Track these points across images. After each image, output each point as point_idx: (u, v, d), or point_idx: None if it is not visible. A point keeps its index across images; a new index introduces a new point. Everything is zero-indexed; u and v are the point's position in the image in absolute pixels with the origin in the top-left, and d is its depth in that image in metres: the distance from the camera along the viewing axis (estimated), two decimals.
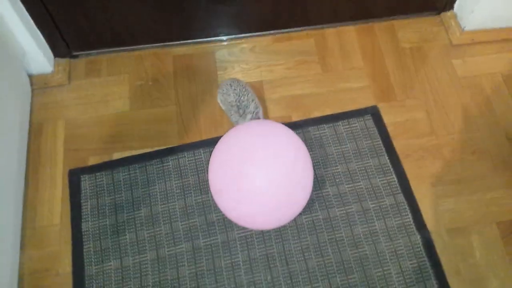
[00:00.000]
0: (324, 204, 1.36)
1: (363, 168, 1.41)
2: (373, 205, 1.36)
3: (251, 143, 1.16)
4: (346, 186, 1.39)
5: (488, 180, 1.39)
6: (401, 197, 1.37)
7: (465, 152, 1.43)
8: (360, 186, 1.39)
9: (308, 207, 1.35)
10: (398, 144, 1.45)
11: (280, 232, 1.32)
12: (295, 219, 1.33)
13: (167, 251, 1.30)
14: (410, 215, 1.34)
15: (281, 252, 1.30)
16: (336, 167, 1.42)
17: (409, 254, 1.29)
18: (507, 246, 1.29)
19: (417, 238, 1.31)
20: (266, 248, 1.30)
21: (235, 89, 1.38)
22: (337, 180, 1.40)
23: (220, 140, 1.22)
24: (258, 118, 1.39)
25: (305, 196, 1.19)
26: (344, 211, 1.35)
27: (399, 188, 1.38)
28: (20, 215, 1.34)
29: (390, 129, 1.47)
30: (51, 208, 1.37)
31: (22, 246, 1.31)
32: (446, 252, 1.29)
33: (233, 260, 1.29)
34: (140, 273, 1.28)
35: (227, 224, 1.34)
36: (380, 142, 1.45)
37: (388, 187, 1.38)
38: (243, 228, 1.32)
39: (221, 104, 1.46)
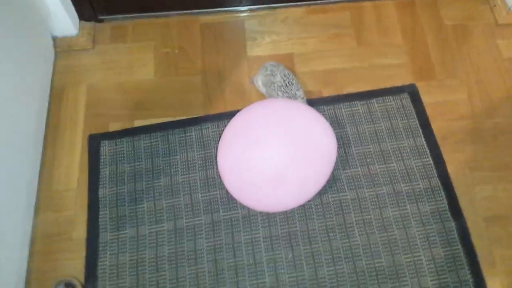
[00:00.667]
0: (353, 184, 1.30)
1: (397, 149, 1.34)
2: (406, 188, 1.29)
3: (262, 122, 1.13)
4: (377, 166, 1.32)
5: None
6: (436, 181, 1.29)
7: (508, 138, 1.34)
8: (393, 168, 1.32)
9: (336, 187, 1.29)
10: (436, 126, 1.37)
11: (304, 210, 1.27)
12: (320, 198, 1.27)
13: (185, 223, 1.27)
14: (445, 201, 1.27)
15: (305, 231, 1.24)
16: (368, 147, 1.35)
17: (442, 241, 1.22)
18: None
19: (452, 225, 1.24)
20: (288, 225, 1.25)
21: (282, 71, 1.31)
22: (368, 160, 1.33)
23: (235, 116, 1.18)
24: None
25: (315, 184, 1.16)
26: (374, 193, 1.28)
27: (435, 171, 1.31)
28: (36, 177, 1.32)
29: (428, 109, 1.40)
30: (68, 172, 1.34)
31: (36, 209, 1.29)
32: (482, 241, 1.22)
33: (253, 236, 1.24)
34: (156, 243, 1.24)
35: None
36: (417, 122, 1.38)
37: (423, 170, 1.31)
38: None
39: (260, 85, 1.38)
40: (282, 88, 1.29)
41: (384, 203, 1.27)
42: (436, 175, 1.30)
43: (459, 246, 1.21)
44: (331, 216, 1.26)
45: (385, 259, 1.20)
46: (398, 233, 1.23)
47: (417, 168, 1.31)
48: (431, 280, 1.17)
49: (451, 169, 1.30)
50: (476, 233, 1.22)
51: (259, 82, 1.37)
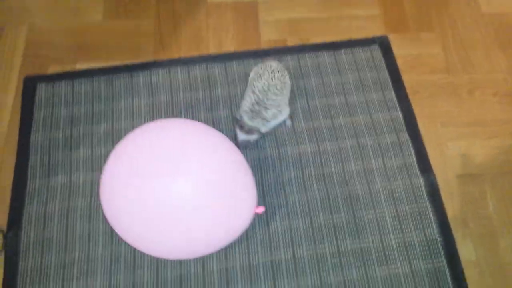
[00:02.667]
0: (314, 136, 1.22)
1: (364, 102, 1.27)
2: (371, 142, 1.21)
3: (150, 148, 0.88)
4: (342, 119, 1.25)
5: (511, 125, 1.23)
6: (405, 136, 1.22)
7: (485, 94, 1.28)
8: (359, 121, 1.24)
9: (296, 139, 1.22)
10: (408, 79, 1.31)
11: (260, 163, 1.18)
12: (278, 150, 1.20)
13: None
14: (413, 156, 1.20)
15: (258, 184, 1.15)
16: (333, 99, 1.28)
17: (408, 197, 1.14)
18: None
19: (420, 181, 1.16)
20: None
21: (272, 76, 1.12)
22: (332, 113, 1.26)
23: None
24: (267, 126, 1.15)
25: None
26: (337, 146, 1.21)
27: (404, 125, 1.24)
28: None
29: (399, 62, 1.33)
30: None
31: None
32: (453, 200, 1.14)
33: None
34: (91, 193, 1.14)
35: None
36: (387, 74, 1.31)
37: (391, 124, 1.24)
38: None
39: (249, 78, 1.20)
40: (253, 98, 1.12)
41: (347, 157, 1.19)
42: (405, 130, 1.23)
43: (427, 203, 1.14)
44: (288, 169, 1.17)
45: (344, 215, 1.12)
46: (361, 188, 1.15)
47: (385, 121, 1.24)
48: (395, 238, 1.09)
49: (421, 123, 1.24)
50: (446, 191, 1.15)
51: (251, 74, 1.20)
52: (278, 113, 1.14)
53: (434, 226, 1.11)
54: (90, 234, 1.09)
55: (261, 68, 1.15)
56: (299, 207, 1.13)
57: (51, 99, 1.26)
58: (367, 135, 1.22)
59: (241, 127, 1.13)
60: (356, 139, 1.22)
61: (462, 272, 1.06)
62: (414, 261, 1.07)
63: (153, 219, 0.84)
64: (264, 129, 1.14)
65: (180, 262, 1.06)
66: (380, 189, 1.15)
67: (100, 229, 1.10)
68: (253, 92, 1.12)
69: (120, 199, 0.85)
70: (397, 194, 1.15)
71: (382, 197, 1.14)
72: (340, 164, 1.19)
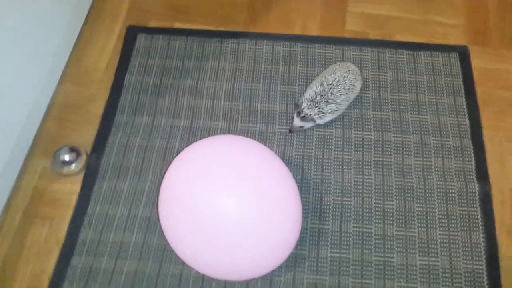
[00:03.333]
0: (380, 126, 1.28)
1: (435, 103, 1.31)
2: (435, 141, 1.26)
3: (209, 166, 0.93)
4: (410, 115, 1.30)
5: None
6: (468, 142, 1.26)
7: None
8: (426, 120, 1.29)
9: (362, 125, 1.28)
10: (481, 91, 1.33)
11: (323, 139, 1.25)
12: (343, 131, 1.27)
13: (202, 123, 1.28)
14: (473, 162, 1.23)
15: (319, 158, 1.23)
16: (405, 95, 1.33)
17: (460, 200, 1.18)
18: None
19: (475, 187, 1.20)
20: (304, 149, 1.25)
21: (345, 75, 1.19)
22: (401, 107, 1.31)
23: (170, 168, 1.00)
24: (321, 118, 1.21)
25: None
26: (401, 139, 1.26)
27: (468, 132, 1.27)
28: (68, 51, 1.36)
29: (475, 73, 1.36)
30: (100, 54, 1.39)
31: (61, 79, 1.33)
32: (504, 211, 1.17)
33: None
34: (169, 136, 1.26)
35: (269, 117, 1.29)
36: (461, 82, 1.35)
37: (457, 129, 1.27)
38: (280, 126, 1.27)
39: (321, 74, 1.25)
40: (317, 90, 1.19)
41: (408, 150, 1.24)
42: (469, 136, 1.26)
43: (478, 209, 1.17)
44: (349, 150, 1.24)
45: (396, 203, 1.17)
46: (416, 182, 1.20)
47: (451, 125, 1.28)
48: (440, 234, 1.14)
49: (486, 134, 1.27)
50: (498, 201, 1.18)
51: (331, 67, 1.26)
52: (336, 110, 1.20)
53: (481, 231, 1.14)
54: (162, 169, 1.20)
55: (338, 65, 1.22)
56: (354, 186, 1.19)
57: (148, 49, 1.39)
58: (431, 134, 1.27)
59: (298, 113, 1.19)
60: (420, 135, 1.26)
61: (499, 277, 1.08)
62: (455, 259, 1.11)
63: (203, 233, 0.89)
64: (318, 121, 1.20)
65: None
66: (435, 187, 1.19)
67: None
68: (321, 83, 1.19)
69: (174, 209, 0.92)
70: (450, 195, 1.19)
71: (435, 195, 1.18)
72: (401, 156, 1.24)
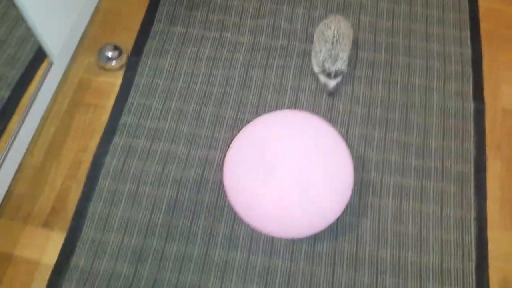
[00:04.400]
0: (390, 49, 1.41)
1: (441, 34, 1.44)
2: (438, 66, 1.39)
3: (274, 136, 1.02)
4: (418, 42, 1.42)
5: None
6: (468, 69, 1.39)
7: None
8: (432, 47, 1.42)
9: (373, 48, 1.41)
10: (485, 27, 1.45)
11: None
12: (356, 54, 1.39)
13: (229, 36, 1.41)
14: (471, 85, 1.36)
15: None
16: (414, 24, 1.45)
17: (457, 115, 1.31)
18: None
19: (470, 105, 1.33)
20: None
21: (339, 27, 1.27)
22: (411, 35, 1.43)
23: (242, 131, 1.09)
24: (339, 75, 1.28)
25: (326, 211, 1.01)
26: (407, 61, 1.39)
27: (470, 61, 1.40)
28: None
29: (482, 11, 1.48)
30: None
31: None
32: (494, 127, 1.30)
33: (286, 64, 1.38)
34: (200, 45, 1.40)
35: (291, 34, 1.43)
36: (468, 17, 1.47)
37: (460, 57, 1.40)
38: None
39: (315, 39, 1.32)
40: (328, 47, 1.26)
41: (414, 72, 1.38)
42: (470, 64, 1.39)
43: (471, 123, 1.30)
44: (361, 68, 1.37)
45: (398, 115, 1.32)
46: (418, 98, 1.33)
47: (455, 54, 1.40)
48: (435, 142, 1.28)
49: (486, 63, 1.39)
50: (490, 118, 1.31)
51: (319, 27, 1.33)
52: (348, 53, 1.30)
53: (472, 142, 1.28)
54: (193, 70, 1.35)
55: (328, 19, 1.30)
56: (362, 98, 1.33)
57: None
58: (436, 60, 1.40)
59: (329, 75, 1.26)
60: (426, 60, 1.40)
61: (484, 179, 1.22)
62: (446, 162, 1.25)
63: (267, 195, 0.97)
64: (345, 68, 1.28)
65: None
66: (435, 103, 1.33)
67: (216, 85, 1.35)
68: (326, 41, 1.26)
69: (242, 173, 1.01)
70: (448, 111, 1.32)
71: (435, 109, 1.32)
72: (406, 76, 1.37)
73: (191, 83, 1.34)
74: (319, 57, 1.27)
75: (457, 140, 1.27)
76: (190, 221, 1.16)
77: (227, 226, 1.15)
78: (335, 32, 1.26)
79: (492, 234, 1.17)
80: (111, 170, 1.21)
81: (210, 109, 1.31)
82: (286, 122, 1.05)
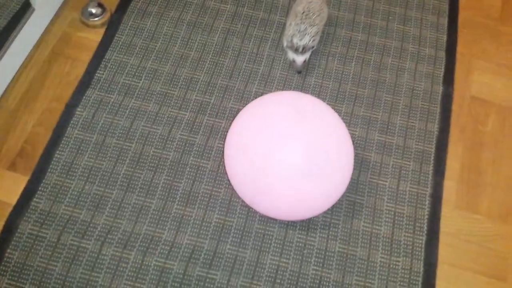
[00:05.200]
0: (367, 29, 1.41)
1: (420, 18, 1.44)
2: (413, 49, 1.39)
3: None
4: (395, 24, 1.42)
5: None
6: (442, 54, 1.39)
7: None
8: (409, 30, 1.42)
9: (351, 26, 1.42)
10: (464, 15, 1.45)
11: None
12: (334, 31, 1.39)
13: (212, 3, 1.42)
14: (442, 69, 1.36)
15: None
16: (394, 8, 1.45)
17: (424, 100, 1.31)
18: None
19: (440, 88, 1.33)
20: None
21: (309, 3, 1.25)
22: (390, 17, 1.44)
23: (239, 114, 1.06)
24: (309, 50, 1.26)
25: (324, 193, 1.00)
26: (383, 43, 1.39)
27: (445, 46, 1.40)
28: None
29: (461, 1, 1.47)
30: None
31: None
32: (461, 111, 1.30)
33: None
34: (182, 9, 1.40)
35: (272, 7, 1.43)
36: (447, 4, 1.47)
37: (435, 42, 1.40)
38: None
39: (289, 14, 1.31)
40: (298, 21, 1.23)
41: (388, 53, 1.38)
42: (444, 49, 1.39)
43: (438, 106, 1.30)
44: (337, 45, 1.38)
45: (368, 91, 1.32)
46: (389, 77, 1.34)
47: (430, 38, 1.41)
48: (400, 120, 1.28)
49: (460, 51, 1.39)
50: (458, 103, 1.31)
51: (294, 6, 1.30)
52: (319, 30, 1.28)
53: (437, 122, 1.28)
54: (173, 32, 1.35)
55: None
56: (334, 74, 1.33)
57: None
58: (411, 42, 1.40)
59: (296, 50, 1.24)
60: (401, 42, 1.40)
61: (445, 158, 1.23)
62: (409, 140, 1.25)
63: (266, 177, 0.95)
64: (314, 45, 1.25)
65: None
66: (405, 83, 1.34)
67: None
68: (296, 15, 1.24)
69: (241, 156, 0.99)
70: (416, 91, 1.33)
71: (403, 89, 1.33)
72: (380, 56, 1.38)
73: (169, 45, 1.35)
74: (288, 31, 1.26)
75: (422, 121, 1.28)
76: (152, 175, 1.16)
77: (187, 183, 1.15)
78: (306, 7, 1.25)
79: (446, 212, 1.17)
80: (80, 120, 1.22)
81: (185, 71, 1.31)
82: (292, 102, 1.02)
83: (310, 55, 1.32)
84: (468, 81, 1.35)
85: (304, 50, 1.25)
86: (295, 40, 1.24)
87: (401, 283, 1.07)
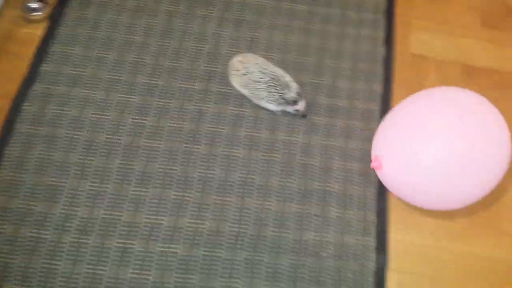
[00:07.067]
0: (310, 1, 1.40)
1: None
2: (354, 17, 1.39)
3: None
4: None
5: (473, 31, 1.39)
6: (381, 17, 1.39)
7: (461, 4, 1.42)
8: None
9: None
10: None
11: None
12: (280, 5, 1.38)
13: None
14: (383, 31, 1.36)
15: None
16: None
17: (366, 64, 1.31)
18: (465, 85, 1.27)
19: (381, 50, 1.33)
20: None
21: (257, 66, 1.13)
22: None
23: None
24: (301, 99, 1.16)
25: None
26: (326, 11, 1.40)
27: (383, 10, 1.40)
28: None
29: None
30: None
31: None
32: (402, 70, 1.31)
33: None
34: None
35: None
36: None
37: (375, 7, 1.41)
38: None
39: (239, 87, 1.19)
40: (270, 83, 1.13)
41: (330, 21, 1.38)
42: (383, 12, 1.39)
43: (381, 66, 1.32)
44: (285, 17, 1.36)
45: (313, 58, 1.31)
46: (330, 44, 1.34)
47: (370, 4, 1.41)
48: (344, 83, 1.27)
49: (398, 11, 1.40)
50: (400, 61, 1.32)
51: (236, 84, 1.19)
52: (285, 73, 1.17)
53: (380, 82, 1.28)
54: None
55: (247, 63, 1.16)
56: (279, 45, 1.32)
57: None
58: (351, 10, 1.41)
59: (295, 102, 1.14)
60: (343, 10, 1.41)
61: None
62: (356, 101, 1.25)
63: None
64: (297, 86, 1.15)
65: None
66: (346, 48, 1.33)
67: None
68: (266, 84, 1.13)
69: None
70: (359, 55, 1.33)
71: (345, 54, 1.33)
72: (323, 25, 1.38)
73: (113, 32, 1.32)
74: (274, 96, 1.14)
75: (366, 82, 1.28)
76: (105, 160, 1.13)
77: (141, 165, 1.13)
78: (259, 70, 1.13)
79: None
80: (29, 115, 1.18)
81: (131, 56, 1.28)
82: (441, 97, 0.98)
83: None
84: (408, 40, 1.36)
85: (299, 95, 1.15)
86: (287, 96, 1.13)
87: (356, 234, 1.06)
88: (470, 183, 0.92)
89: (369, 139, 1.16)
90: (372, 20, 1.37)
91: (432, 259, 1.07)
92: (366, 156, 1.15)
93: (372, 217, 1.09)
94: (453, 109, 0.93)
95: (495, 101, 0.97)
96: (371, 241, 1.07)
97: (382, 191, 1.11)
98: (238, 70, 1.15)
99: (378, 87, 1.27)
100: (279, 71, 1.15)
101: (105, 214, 1.07)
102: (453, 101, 0.95)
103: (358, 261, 1.04)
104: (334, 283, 1.02)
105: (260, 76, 1.12)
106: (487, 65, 1.33)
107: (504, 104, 0.99)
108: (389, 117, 1.01)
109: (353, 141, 1.18)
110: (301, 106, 1.17)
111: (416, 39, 1.36)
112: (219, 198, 1.10)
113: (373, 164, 0.98)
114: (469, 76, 1.30)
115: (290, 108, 1.17)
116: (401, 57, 1.33)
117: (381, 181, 1.02)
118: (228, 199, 1.10)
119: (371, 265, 1.04)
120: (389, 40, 1.35)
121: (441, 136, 0.91)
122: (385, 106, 1.24)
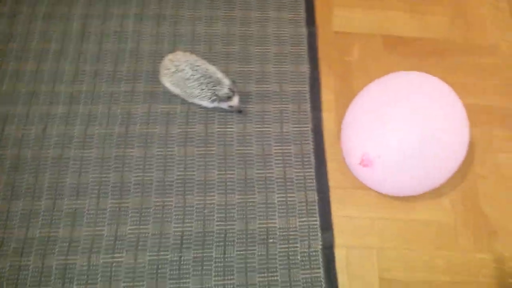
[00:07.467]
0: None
1: None
2: (274, 0, 1.38)
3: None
4: None
5: (392, 2, 1.42)
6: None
7: None
8: None
9: None
10: None
11: None
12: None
13: None
14: (303, 13, 1.36)
15: None
16: None
17: (291, 46, 1.31)
18: (389, 56, 1.31)
19: (303, 30, 1.34)
20: None
21: (188, 62, 1.10)
22: None
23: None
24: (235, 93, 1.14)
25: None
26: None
27: None
28: None
29: None
30: None
31: None
32: (327, 47, 1.32)
33: None
34: None
35: None
36: None
37: None
38: None
39: (171, 87, 1.16)
40: (202, 80, 1.10)
41: (251, 6, 1.37)
42: None
43: (305, 47, 1.31)
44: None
45: (238, 46, 1.30)
46: (255, 29, 1.33)
47: None
48: (273, 67, 1.27)
49: None
50: (322, 42, 1.32)
51: (167, 84, 1.16)
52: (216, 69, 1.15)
53: (306, 63, 1.29)
54: None
55: (178, 61, 1.12)
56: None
57: None
58: None
59: (228, 98, 1.12)
60: None
61: (319, 97, 1.24)
62: (284, 84, 1.25)
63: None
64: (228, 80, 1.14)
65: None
66: (270, 33, 1.33)
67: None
68: (198, 81, 1.11)
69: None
70: (282, 38, 1.33)
71: (270, 39, 1.32)
72: (244, 12, 1.36)
73: (26, 42, 1.25)
74: (206, 93, 1.12)
75: (293, 64, 1.28)
76: (34, 177, 1.07)
77: (73, 177, 1.08)
78: (189, 68, 1.10)
79: (329, 142, 1.18)
80: None
81: (48, 65, 1.20)
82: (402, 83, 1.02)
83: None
84: (329, 18, 1.37)
85: (232, 90, 1.13)
86: (220, 92, 1.11)
87: (300, 215, 1.07)
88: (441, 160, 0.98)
89: (302, 120, 1.17)
90: (292, 2, 1.37)
91: (377, 231, 1.09)
92: (301, 138, 1.16)
93: (313, 197, 1.10)
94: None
95: (420, 68, 1.01)
96: (316, 221, 1.08)
97: (320, 171, 1.13)
98: (168, 69, 1.11)
99: (305, 68, 1.27)
100: (211, 68, 1.12)
101: (41, 233, 1.02)
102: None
103: (305, 242, 1.05)
104: (284, 267, 1.02)
105: (191, 73, 1.09)
106: (410, 35, 1.36)
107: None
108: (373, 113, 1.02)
109: (287, 125, 1.19)
110: (235, 101, 1.14)
111: (337, 16, 1.38)
112: (159, 199, 1.07)
113: (363, 163, 0.99)
114: (393, 47, 1.33)
115: (224, 105, 1.15)
116: (324, 36, 1.34)
117: (366, 177, 1.05)
118: (168, 199, 1.07)
119: (318, 244, 1.06)
120: (310, 20, 1.35)
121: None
122: (314, 86, 1.24)
